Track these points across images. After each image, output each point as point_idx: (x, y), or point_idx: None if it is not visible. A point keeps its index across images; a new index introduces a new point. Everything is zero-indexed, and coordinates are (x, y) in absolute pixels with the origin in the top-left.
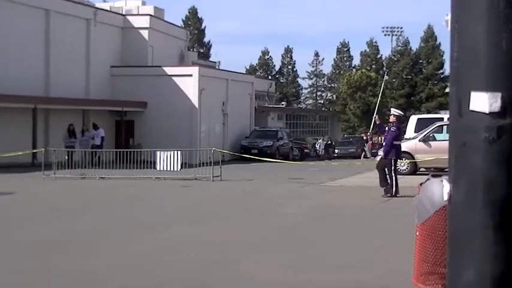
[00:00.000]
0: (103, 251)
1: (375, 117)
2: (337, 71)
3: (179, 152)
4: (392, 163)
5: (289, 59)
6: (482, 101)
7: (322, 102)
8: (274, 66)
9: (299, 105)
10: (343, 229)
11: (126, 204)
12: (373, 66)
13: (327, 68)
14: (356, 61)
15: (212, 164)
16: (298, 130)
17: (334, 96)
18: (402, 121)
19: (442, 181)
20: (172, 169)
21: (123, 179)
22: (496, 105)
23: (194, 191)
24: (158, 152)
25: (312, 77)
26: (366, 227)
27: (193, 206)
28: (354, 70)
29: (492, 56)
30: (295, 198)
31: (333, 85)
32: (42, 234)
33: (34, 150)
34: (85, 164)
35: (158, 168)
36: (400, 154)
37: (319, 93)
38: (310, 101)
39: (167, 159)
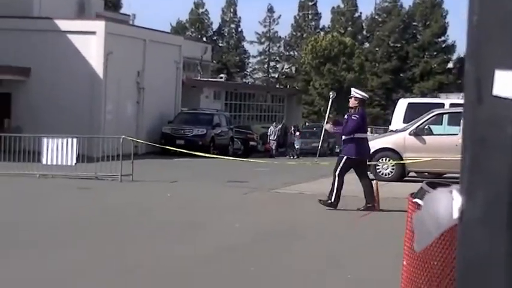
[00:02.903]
0: None
1: (331, 95)
2: (299, 34)
3: (75, 140)
4: (343, 162)
5: (231, 14)
6: (510, 83)
7: (276, 76)
8: (212, 24)
9: (244, 80)
10: (298, 255)
11: None
12: (349, 28)
13: (284, 30)
14: (325, 21)
15: (121, 157)
16: (242, 114)
17: (294, 68)
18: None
19: (450, 192)
20: (64, 163)
21: None
22: None
23: (94, 195)
24: (45, 139)
25: (263, 41)
26: (330, 253)
27: (89, 217)
28: (322, 33)
29: None
30: (235, 209)
31: (291, 53)
32: None
33: None
34: None
35: (44, 162)
36: (366, 152)
37: (272, 63)
38: (260, 75)
39: (57, 150)
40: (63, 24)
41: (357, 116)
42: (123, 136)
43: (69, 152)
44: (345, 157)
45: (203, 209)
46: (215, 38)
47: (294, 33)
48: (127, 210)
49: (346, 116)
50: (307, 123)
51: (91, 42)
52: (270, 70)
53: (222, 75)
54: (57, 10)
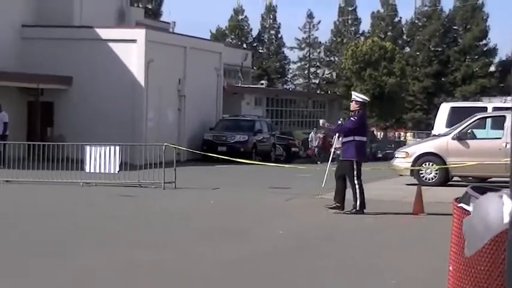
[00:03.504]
0: None
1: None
2: (339, 39)
3: (117, 148)
4: (355, 166)
5: (271, 20)
6: None
7: (317, 82)
8: (251, 30)
9: (285, 86)
10: (343, 260)
11: (39, 219)
12: (389, 33)
13: (324, 35)
14: (365, 26)
15: (163, 165)
16: (283, 121)
17: (334, 74)
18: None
19: (501, 197)
20: (107, 171)
21: (37, 184)
22: None
23: (137, 202)
24: (88, 147)
25: (303, 46)
26: (374, 257)
27: (135, 224)
28: (362, 38)
29: None
30: (278, 215)
31: (332, 59)
32: None
33: None
34: None
35: (88, 170)
36: (364, 155)
37: (312, 69)
38: (301, 81)
39: (100, 158)
40: (104, 33)
41: (355, 117)
42: (166, 143)
43: (112, 160)
44: (353, 161)
45: (246, 215)
46: (255, 44)
47: (334, 38)
48: (170, 217)
49: (340, 120)
50: None
51: (132, 50)
52: (311, 76)
53: (262, 81)
54: (97, 19)
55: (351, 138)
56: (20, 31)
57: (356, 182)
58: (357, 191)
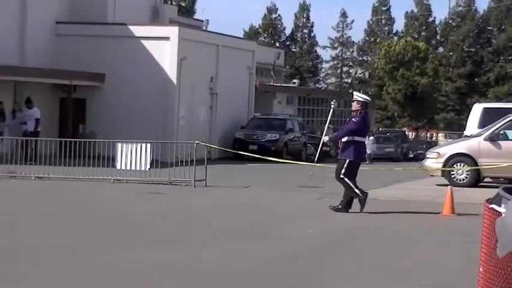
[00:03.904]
0: (16, 284)
1: (332, 105)
2: (372, 39)
3: (148, 145)
4: (346, 165)
5: (304, 19)
6: None
7: (349, 81)
8: (284, 29)
9: (317, 85)
10: (372, 260)
11: (70, 215)
12: (423, 33)
13: (357, 35)
14: (399, 26)
15: (194, 163)
16: (315, 120)
17: (367, 73)
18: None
19: None
20: (138, 169)
21: (69, 180)
22: None
23: (168, 200)
24: (119, 145)
25: (336, 46)
26: (404, 258)
27: (166, 221)
28: (396, 38)
29: None
30: (308, 214)
31: (365, 58)
32: None
33: None
34: (16, 158)
35: (118, 167)
36: (362, 156)
37: (345, 68)
38: (333, 80)
39: (131, 155)
40: (138, 30)
41: (357, 118)
42: (197, 141)
43: (143, 158)
44: (347, 160)
45: (276, 214)
46: (288, 43)
47: (367, 38)
48: (200, 215)
49: (348, 119)
50: (380, 129)
51: (165, 47)
52: (343, 75)
53: (295, 80)
54: (131, 16)
55: (351, 138)
56: (53, 28)
57: (342, 178)
58: (348, 184)
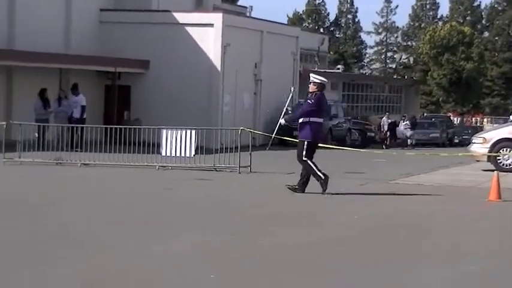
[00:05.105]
0: (76, 267)
1: (292, 89)
2: (416, 24)
3: (193, 132)
4: (306, 146)
5: (348, 5)
6: None
7: (394, 67)
8: (328, 14)
9: (361, 71)
10: (418, 246)
11: (115, 202)
12: (468, 18)
13: (401, 20)
14: (443, 10)
15: (239, 149)
16: (359, 105)
17: (411, 59)
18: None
19: None
20: (183, 155)
21: (114, 167)
22: None
23: (213, 186)
24: (164, 131)
25: (380, 31)
26: (450, 244)
27: (212, 207)
28: (440, 23)
29: None
30: (353, 200)
31: (409, 43)
32: None
33: None
34: (62, 145)
35: (163, 154)
36: (319, 136)
37: (389, 54)
38: (377, 65)
39: (176, 142)
40: (181, 17)
41: (312, 100)
42: (242, 128)
43: (187, 144)
44: (305, 141)
45: (321, 200)
46: (332, 28)
47: (412, 23)
48: (245, 201)
49: (304, 100)
50: (425, 114)
51: (209, 34)
52: (388, 60)
53: (339, 66)
54: (175, 3)
55: (307, 119)
56: (98, 15)
57: (305, 160)
58: (311, 167)
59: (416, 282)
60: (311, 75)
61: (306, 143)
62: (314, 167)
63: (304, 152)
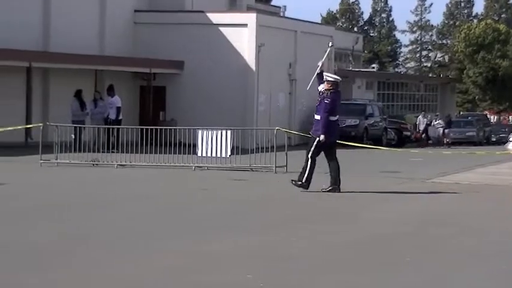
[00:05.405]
0: (114, 267)
1: (329, 44)
2: (451, 22)
3: (229, 132)
4: (315, 143)
5: (383, 4)
6: None
7: (429, 65)
8: (362, 13)
9: (396, 70)
10: (454, 245)
11: (152, 203)
12: (503, 15)
13: (436, 18)
14: (478, 8)
15: (275, 149)
16: (395, 104)
17: (447, 57)
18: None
19: None
20: (219, 155)
21: (150, 168)
22: None
23: (250, 186)
24: (199, 132)
25: (415, 29)
26: (485, 243)
27: (249, 207)
28: (476, 21)
29: None
30: (389, 199)
31: (444, 42)
32: (30, 239)
33: (28, 126)
34: (98, 146)
35: (199, 154)
36: (336, 134)
37: (424, 52)
38: (412, 64)
39: (212, 142)
40: (215, 17)
41: (328, 99)
42: (277, 128)
43: (223, 144)
44: (317, 139)
45: (357, 199)
46: (366, 27)
47: (446, 21)
48: (281, 201)
49: (319, 98)
50: (461, 112)
51: (243, 34)
52: (422, 59)
53: (373, 65)
54: (209, 3)
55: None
56: (132, 16)
57: (310, 157)
58: (308, 166)
59: (467, 278)
60: (324, 74)
61: (317, 140)
62: (310, 169)
63: (312, 148)
